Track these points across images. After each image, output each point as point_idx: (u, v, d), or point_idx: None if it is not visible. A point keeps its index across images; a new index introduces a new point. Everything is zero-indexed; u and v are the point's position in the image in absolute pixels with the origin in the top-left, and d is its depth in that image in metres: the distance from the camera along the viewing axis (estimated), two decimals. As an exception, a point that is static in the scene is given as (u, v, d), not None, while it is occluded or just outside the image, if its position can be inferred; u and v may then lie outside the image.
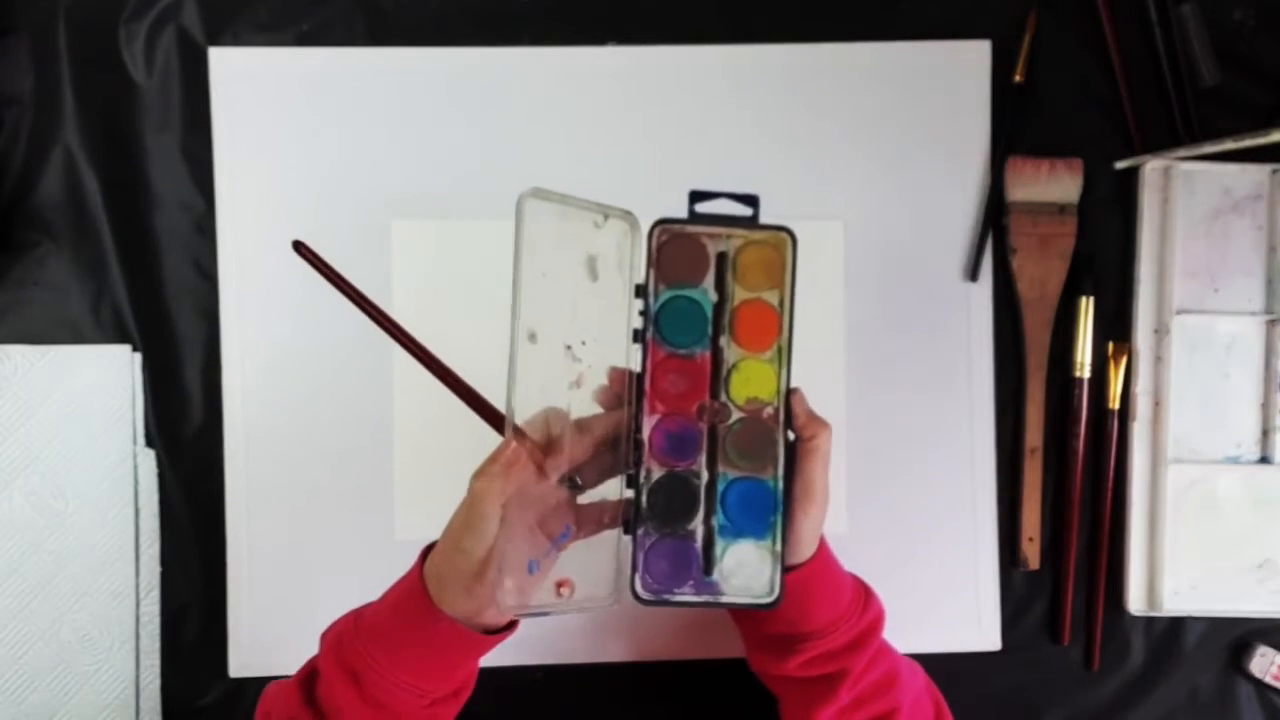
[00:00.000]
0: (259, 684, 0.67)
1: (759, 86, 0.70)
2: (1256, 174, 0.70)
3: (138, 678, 0.68)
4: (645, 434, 0.51)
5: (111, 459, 0.68)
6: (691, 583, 0.51)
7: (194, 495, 0.69)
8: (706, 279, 0.52)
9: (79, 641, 0.68)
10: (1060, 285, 0.70)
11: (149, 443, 0.69)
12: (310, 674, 0.53)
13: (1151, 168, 0.70)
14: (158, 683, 0.69)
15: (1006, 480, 0.71)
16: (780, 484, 0.51)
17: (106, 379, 0.68)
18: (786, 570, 0.51)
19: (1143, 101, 0.71)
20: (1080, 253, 0.70)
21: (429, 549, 0.52)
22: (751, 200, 0.51)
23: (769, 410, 0.51)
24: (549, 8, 0.69)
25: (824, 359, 0.70)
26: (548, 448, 0.50)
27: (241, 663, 0.68)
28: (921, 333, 0.70)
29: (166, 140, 0.69)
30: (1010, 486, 0.71)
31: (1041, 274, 0.70)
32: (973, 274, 0.70)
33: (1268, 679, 0.70)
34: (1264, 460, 0.70)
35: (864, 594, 0.56)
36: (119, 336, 0.69)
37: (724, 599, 0.51)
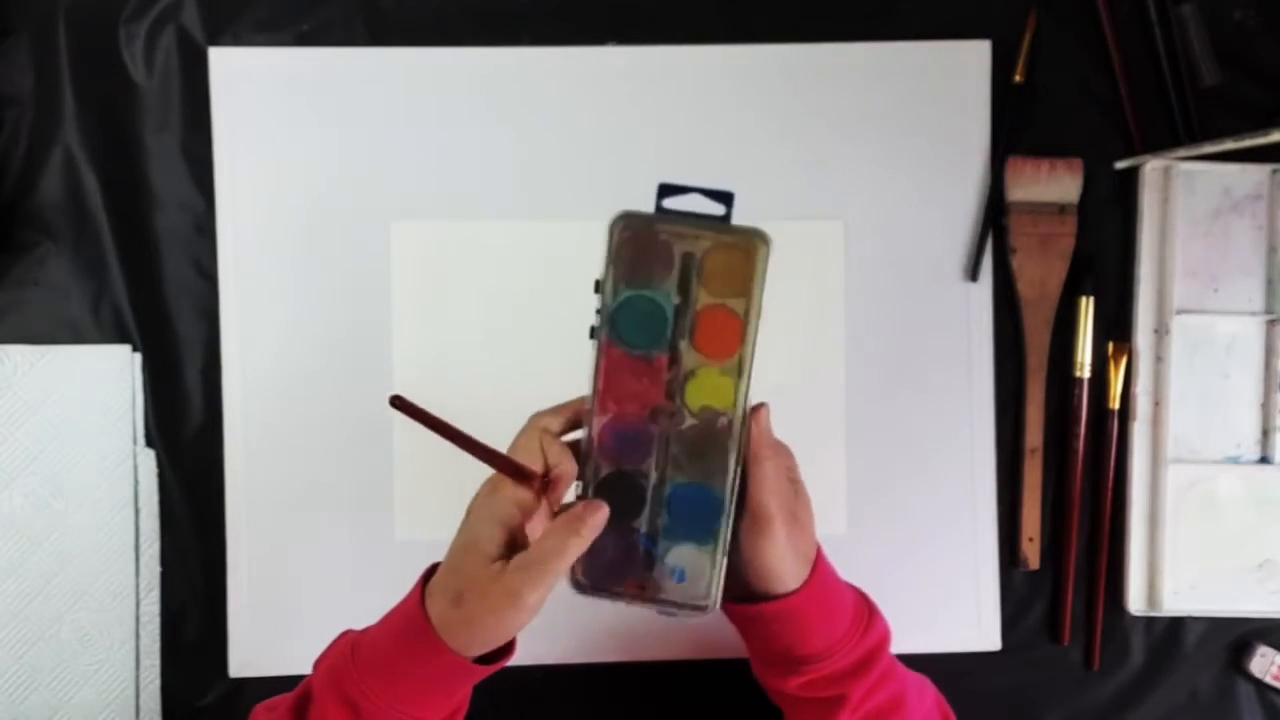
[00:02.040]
0: (259, 684, 0.68)
1: (759, 86, 0.70)
2: (1256, 174, 0.70)
3: (138, 677, 0.68)
4: (595, 432, 0.50)
5: (111, 459, 0.68)
6: (632, 579, 0.50)
7: (194, 495, 0.69)
8: (669, 280, 0.49)
9: (79, 641, 0.68)
10: (1060, 285, 0.70)
11: (149, 443, 0.69)
12: (303, 698, 0.52)
13: (1151, 168, 0.70)
14: (158, 682, 0.69)
15: (1006, 480, 0.71)
16: (728, 494, 0.49)
17: (106, 379, 0.68)
18: (772, 599, 0.50)
19: (1143, 101, 0.71)
20: (1080, 253, 0.70)
21: (428, 574, 0.51)
22: (725, 198, 0.48)
23: (724, 420, 0.49)
24: (549, 8, 0.69)
25: (824, 359, 0.70)
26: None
27: (241, 663, 0.68)
28: (921, 333, 0.70)
29: (166, 140, 0.69)
30: (1010, 486, 0.71)
31: (1041, 274, 0.70)
32: (973, 274, 0.70)
33: (1268, 679, 0.70)
34: (1264, 460, 0.70)
35: (866, 616, 0.54)
36: (119, 336, 0.69)
37: (662, 596, 0.50)
